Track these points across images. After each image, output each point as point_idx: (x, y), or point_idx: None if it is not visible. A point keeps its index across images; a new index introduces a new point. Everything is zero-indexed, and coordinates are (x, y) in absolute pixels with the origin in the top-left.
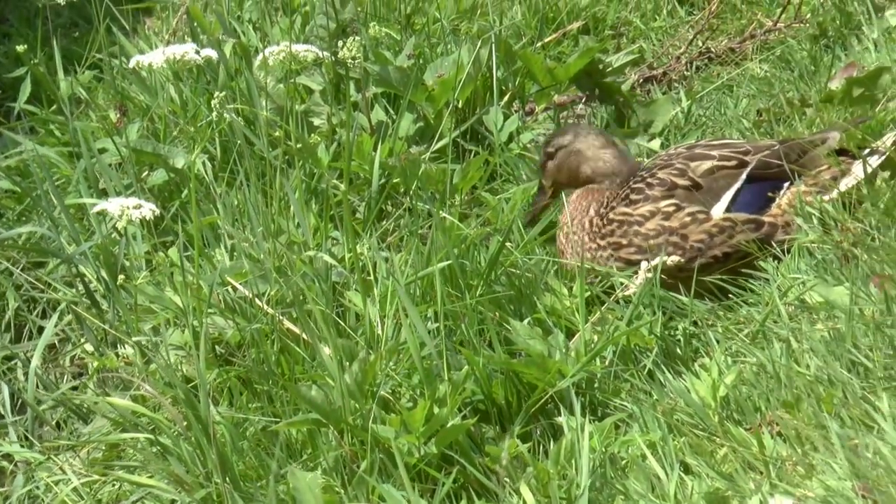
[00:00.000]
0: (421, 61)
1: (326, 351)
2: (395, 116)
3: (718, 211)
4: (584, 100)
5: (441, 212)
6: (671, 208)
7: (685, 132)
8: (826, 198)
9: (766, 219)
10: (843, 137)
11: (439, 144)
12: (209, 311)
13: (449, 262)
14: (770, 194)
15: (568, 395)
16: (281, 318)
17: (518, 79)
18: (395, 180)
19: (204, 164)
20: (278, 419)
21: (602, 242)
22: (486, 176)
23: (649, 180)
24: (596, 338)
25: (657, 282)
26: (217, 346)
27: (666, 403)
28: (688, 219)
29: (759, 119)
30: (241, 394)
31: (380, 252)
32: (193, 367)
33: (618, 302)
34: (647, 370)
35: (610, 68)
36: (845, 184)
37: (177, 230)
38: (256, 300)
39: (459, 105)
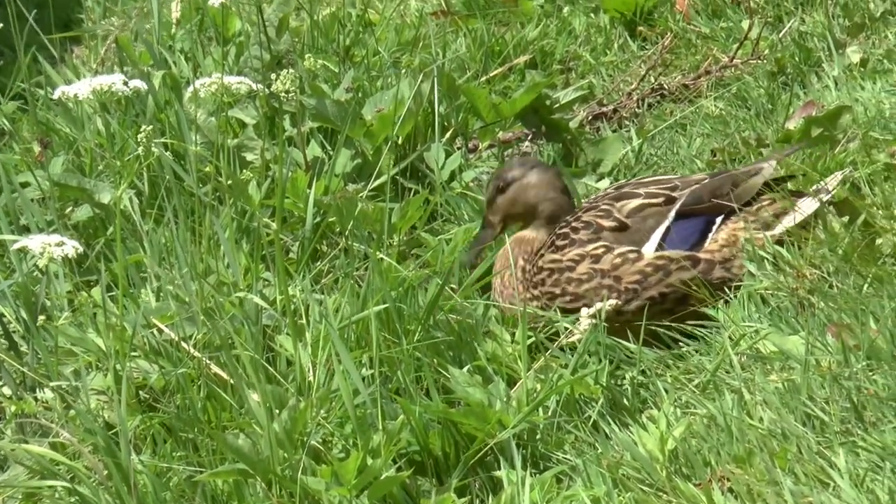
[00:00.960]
0: (360, 95)
1: (255, 397)
2: (331, 152)
3: (650, 249)
4: (530, 137)
5: (378, 253)
6: (600, 250)
7: (636, 172)
8: (768, 233)
9: (702, 255)
10: (777, 167)
11: (377, 182)
12: (133, 354)
13: (385, 305)
14: (708, 229)
15: (509, 447)
16: (208, 362)
17: (461, 114)
18: (330, 219)
19: (130, 199)
20: (203, 469)
21: (535, 292)
22: (426, 216)
23: (574, 224)
24: (539, 387)
25: (601, 328)
26: (140, 392)
27: (611, 457)
28: (619, 260)
29: (714, 159)
30: (165, 442)
31: (313, 294)
32: (115, 413)
33: (562, 349)
34: (592, 421)
35: (558, 104)
36: (790, 220)
37: (101, 269)
38: (183, 343)
39: (399, 141)
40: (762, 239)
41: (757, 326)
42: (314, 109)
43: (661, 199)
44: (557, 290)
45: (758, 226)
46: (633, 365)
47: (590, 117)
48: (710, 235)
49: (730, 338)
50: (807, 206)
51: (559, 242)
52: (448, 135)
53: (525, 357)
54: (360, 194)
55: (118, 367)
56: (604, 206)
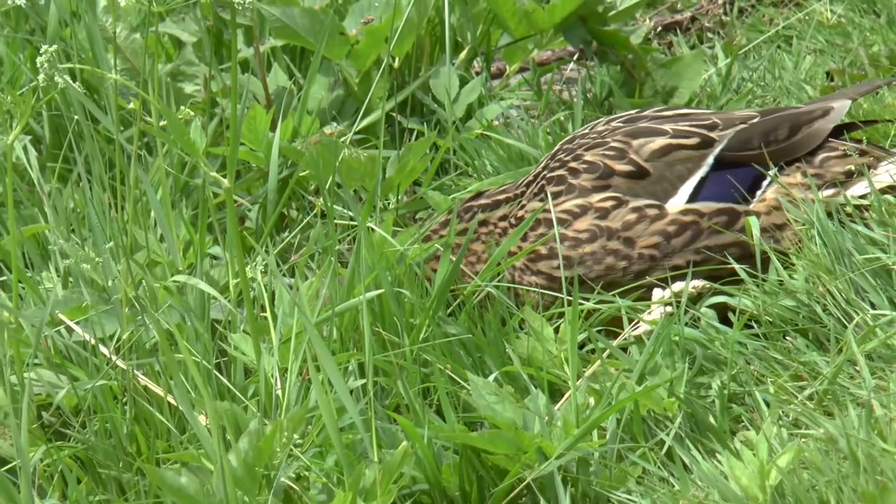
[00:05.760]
0: (340, 1)
1: (202, 420)
2: (302, 81)
3: (676, 205)
4: (576, 57)
5: (369, 219)
6: (608, 203)
7: (722, 104)
8: (840, 196)
9: (742, 209)
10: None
11: (367, 121)
12: (34, 361)
13: (380, 291)
14: (756, 185)
15: (552, 484)
16: (136, 372)
17: (481, 27)
18: (302, 173)
19: (26, 149)
20: None
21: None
22: (433, 167)
23: (573, 165)
24: (593, 401)
25: (680, 316)
26: (44, 413)
27: (692, 496)
28: (633, 216)
29: (830, 84)
30: (79, 481)
31: (280, 277)
32: (11, 443)
33: (624, 350)
34: (665, 448)
35: (614, 11)
36: (864, 187)
37: None
38: (101, 347)
39: (396, 65)
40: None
41: (892, 315)
42: (278, 21)
43: (694, 140)
44: (544, 250)
45: (821, 183)
46: (722, 368)
47: (659, 28)
48: (759, 193)
49: (854, 329)
50: (894, 170)
51: (552, 188)
52: (463, 55)
53: (574, 360)
54: (343, 138)
55: (14, 379)
56: (615, 144)
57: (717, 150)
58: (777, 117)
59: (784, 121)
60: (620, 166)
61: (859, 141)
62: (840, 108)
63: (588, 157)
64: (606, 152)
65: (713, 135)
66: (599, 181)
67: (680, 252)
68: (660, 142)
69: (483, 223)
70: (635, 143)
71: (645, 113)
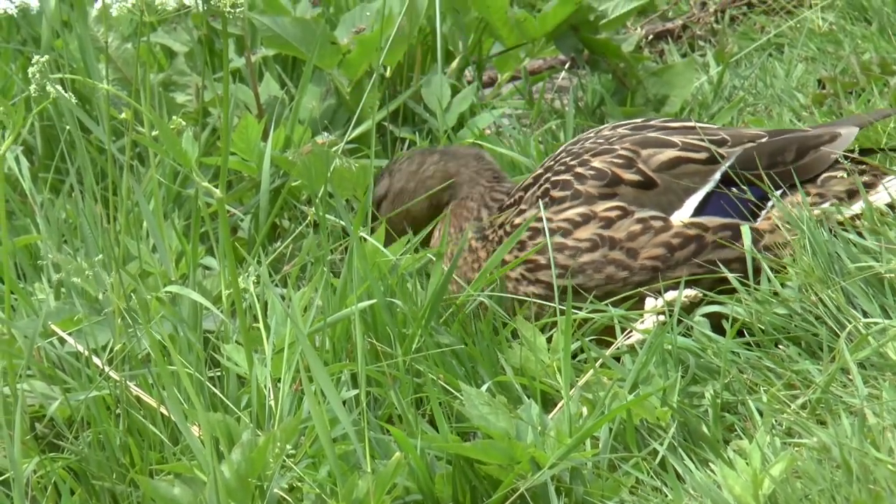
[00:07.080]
0: (331, 11)
1: (195, 431)
2: (294, 90)
3: (682, 218)
4: (567, 66)
5: (361, 229)
6: (614, 213)
7: (714, 112)
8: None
9: (746, 226)
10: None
11: (358, 131)
12: (26, 373)
13: (372, 301)
14: (760, 206)
15: (545, 494)
16: (129, 383)
17: (473, 36)
18: (293, 183)
19: (18, 159)
20: None
21: (510, 257)
22: None
23: (580, 170)
24: (586, 410)
25: (672, 325)
26: (38, 425)
27: None
28: (637, 227)
29: (821, 92)
30: (73, 492)
31: (273, 287)
32: (4, 455)
33: (617, 359)
34: (658, 457)
35: (605, 20)
36: (863, 203)
37: None
38: (94, 358)
39: (387, 74)
40: (827, 213)
41: (884, 323)
42: (269, 31)
43: (703, 155)
44: (542, 260)
45: (821, 202)
46: (715, 377)
47: (650, 37)
48: (763, 213)
49: (848, 338)
50: (893, 188)
51: (556, 193)
52: (455, 64)
53: (567, 369)
54: (335, 148)
55: (7, 391)
56: (623, 153)
57: (724, 166)
58: (785, 139)
59: (792, 143)
60: (628, 175)
61: (860, 162)
62: (847, 136)
63: (596, 163)
64: (615, 160)
65: (722, 151)
66: (606, 189)
67: (683, 265)
68: (669, 153)
69: (484, 230)
70: (644, 152)
71: (651, 122)
